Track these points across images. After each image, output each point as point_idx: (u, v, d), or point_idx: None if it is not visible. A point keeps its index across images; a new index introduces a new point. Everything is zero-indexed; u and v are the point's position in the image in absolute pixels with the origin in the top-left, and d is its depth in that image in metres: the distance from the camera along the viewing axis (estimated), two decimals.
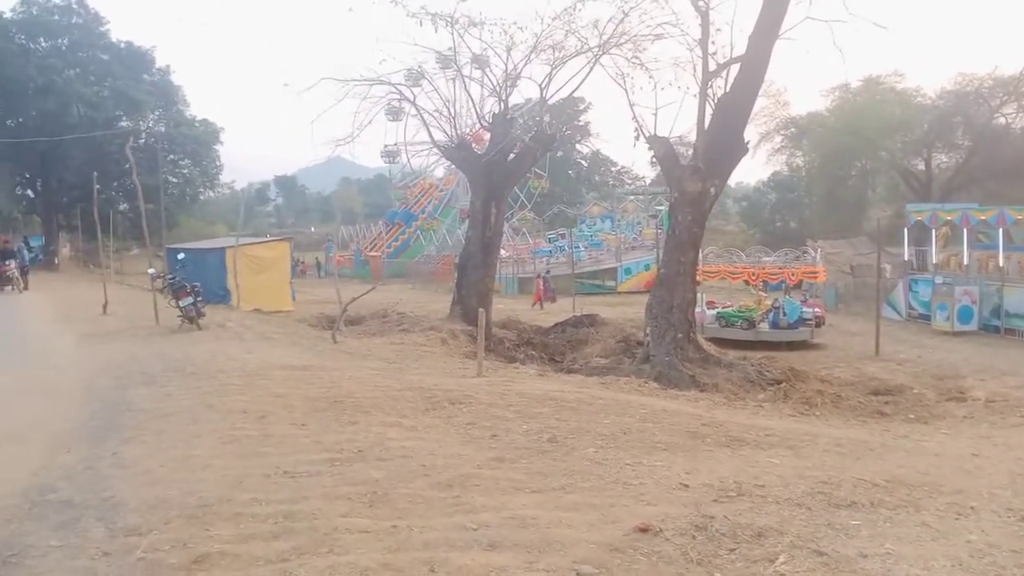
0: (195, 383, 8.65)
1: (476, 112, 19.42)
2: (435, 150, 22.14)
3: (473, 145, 20.90)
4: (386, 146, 51.11)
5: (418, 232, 52.01)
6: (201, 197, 48.71)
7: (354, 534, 4.26)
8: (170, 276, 14.50)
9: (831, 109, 45.95)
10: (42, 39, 38.14)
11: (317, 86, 17.94)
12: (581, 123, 69.82)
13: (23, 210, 50.75)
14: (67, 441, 6.45)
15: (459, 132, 19.92)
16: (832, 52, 14.31)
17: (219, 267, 22.06)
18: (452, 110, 19.69)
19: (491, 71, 19.44)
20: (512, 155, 19.15)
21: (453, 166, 53.20)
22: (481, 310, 11.63)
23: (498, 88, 19.06)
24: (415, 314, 20.13)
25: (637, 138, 15.11)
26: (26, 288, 25.10)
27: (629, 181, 77.16)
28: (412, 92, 19.68)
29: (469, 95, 19.50)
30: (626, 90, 15.26)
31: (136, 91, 38.01)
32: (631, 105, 14.88)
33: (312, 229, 73.69)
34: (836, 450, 7.07)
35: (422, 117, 19.49)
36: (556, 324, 20.49)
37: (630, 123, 14.64)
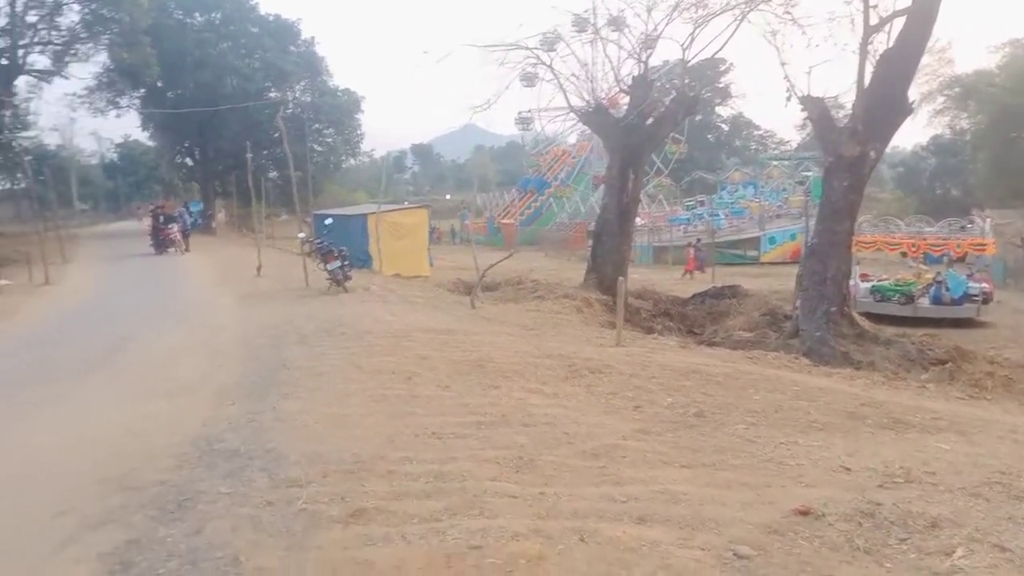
0: (344, 343, 8.98)
1: (614, 75, 19.00)
2: (571, 115, 21.84)
3: (610, 109, 20.48)
4: (520, 113, 51.39)
5: (551, 199, 51.93)
6: (344, 165, 50.62)
7: (503, 498, 4.27)
8: (318, 240, 15.15)
9: (1001, 67, 41.77)
10: (197, 14, 40.44)
11: (455, 53, 18.13)
12: (722, 85, 67.13)
13: (183, 177, 54.71)
14: (231, 395, 6.85)
15: (596, 96, 19.59)
16: (1005, 2, 12.87)
17: (361, 233, 22.89)
18: (589, 73, 19.38)
19: (629, 32, 18.96)
20: (651, 119, 18.65)
21: (587, 132, 52.87)
22: (621, 278, 11.40)
23: (637, 50, 18.56)
24: (549, 282, 20.12)
25: (788, 99, 14.28)
26: (187, 250, 27.02)
27: (773, 145, 73.87)
28: (548, 56, 19.51)
29: (607, 57, 19.08)
30: (776, 48, 14.43)
31: (284, 62, 39.75)
32: (782, 64, 14.05)
33: (448, 196, 75.26)
34: (1012, 437, 6.44)
35: (558, 81, 19.30)
36: (695, 295, 19.97)
37: (779, 84, 13.73)
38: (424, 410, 6.17)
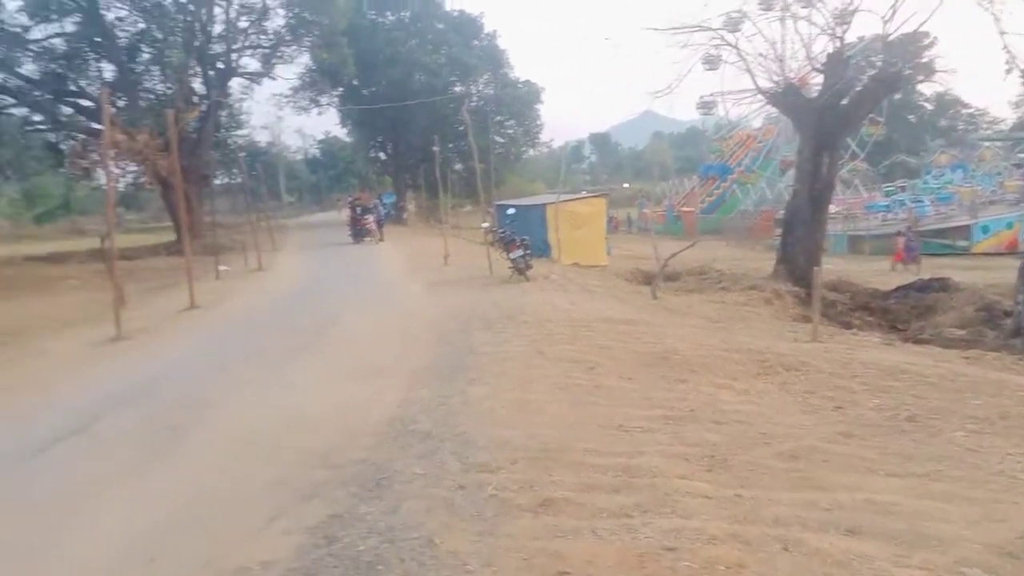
0: (527, 331, 9.08)
1: (806, 52, 17.82)
2: (758, 97, 20.80)
3: (801, 89, 19.26)
4: (702, 97, 49.60)
5: (734, 186, 49.86)
6: (524, 156, 51.42)
7: (696, 498, 4.10)
8: (501, 230, 15.47)
9: None
10: (388, 13, 42.52)
11: (636, 38, 17.77)
12: (925, 60, 61.13)
13: (377, 171, 57.99)
14: (422, 378, 7.11)
15: (786, 76, 18.49)
16: None
17: (541, 222, 23.10)
18: (778, 53, 18.31)
19: (823, 6, 17.69)
20: (846, 99, 17.33)
21: (773, 115, 50.20)
22: (816, 268, 10.68)
23: (832, 25, 17.29)
24: (733, 272, 19.33)
25: (1009, 71, 12.76)
26: (381, 240, 28.63)
27: (985, 125, 66.58)
28: (734, 37, 18.66)
29: (799, 34, 17.92)
30: (994, 16, 12.91)
31: (468, 57, 40.87)
32: (1001, 34, 12.55)
33: (626, 185, 74.49)
34: None
35: (745, 62, 18.39)
36: (898, 288, 18.37)
37: (994, 57, 12.35)
38: (608, 401, 6.08)
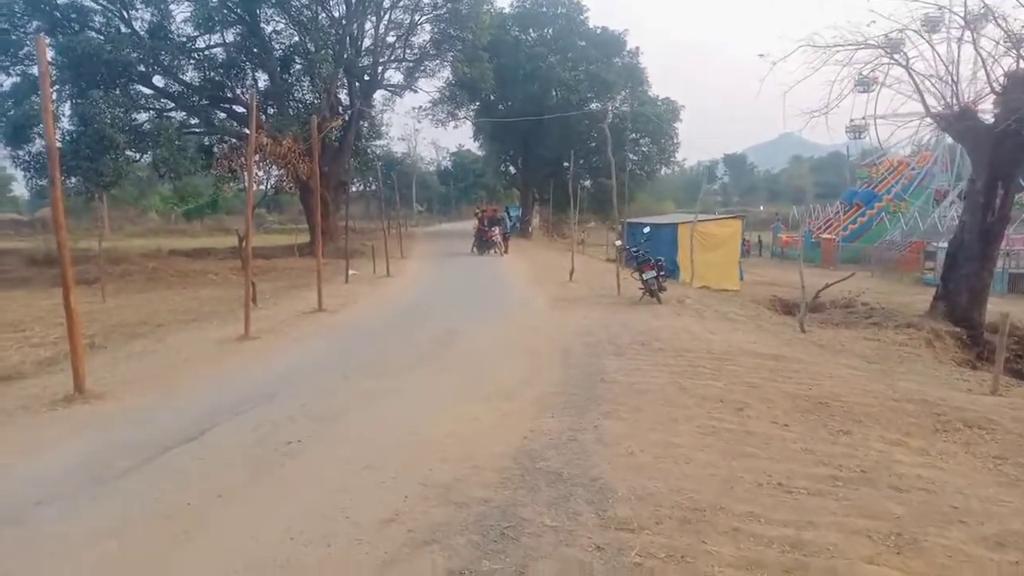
0: (663, 360, 8.37)
1: (986, 73, 16.08)
2: (926, 121, 19.05)
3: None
4: (852, 120, 46.94)
5: (882, 214, 46.74)
6: (658, 175, 50.32)
7: None
8: (634, 249, 14.74)
9: None
10: (531, 30, 42.79)
11: (793, 54, 16.60)
12: None
13: (505, 184, 58.46)
14: (550, 405, 6.54)
15: (960, 99, 16.79)
16: None
17: (671, 242, 22.24)
18: (951, 74, 16.66)
19: (1005, 24, 15.92)
20: None
21: (929, 141, 46.79)
22: (1005, 312, 9.36)
23: (1014, 44, 15.53)
24: (882, 307, 17.79)
25: None
26: (506, 252, 28.50)
27: None
28: (903, 56, 17.13)
29: (978, 53, 16.20)
30: None
31: (607, 73, 40.37)
32: None
33: (761, 207, 71.65)
34: None
35: (914, 83, 16.83)
36: None
37: None
38: (764, 452, 5.30)
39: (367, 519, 4.12)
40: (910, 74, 16.84)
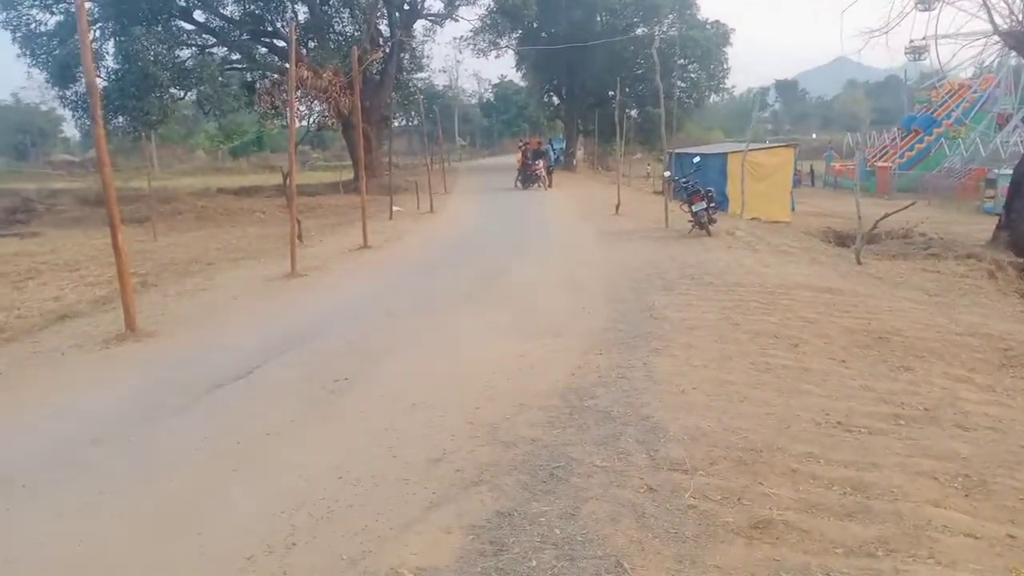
0: (714, 295, 8.14)
1: None
2: (992, 39, 17.93)
3: None
4: (912, 41, 44.60)
5: (941, 140, 44.77)
6: (707, 102, 48.77)
7: (956, 536, 3.17)
8: (683, 180, 14.30)
9: None
10: None
11: None
12: None
13: (549, 116, 57.37)
14: (597, 342, 6.41)
15: None
16: None
17: (720, 173, 21.63)
18: None
19: None
20: None
21: (987, 64, 44.35)
22: None
23: None
24: (940, 237, 17.14)
25: None
26: (550, 186, 28.11)
27: None
28: None
29: None
30: None
31: None
32: None
33: (814, 136, 69.30)
34: None
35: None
36: None
37: None
38: (821, 389, 5.12)
39: (414, 458, 4.08)
40: None
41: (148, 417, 5.01)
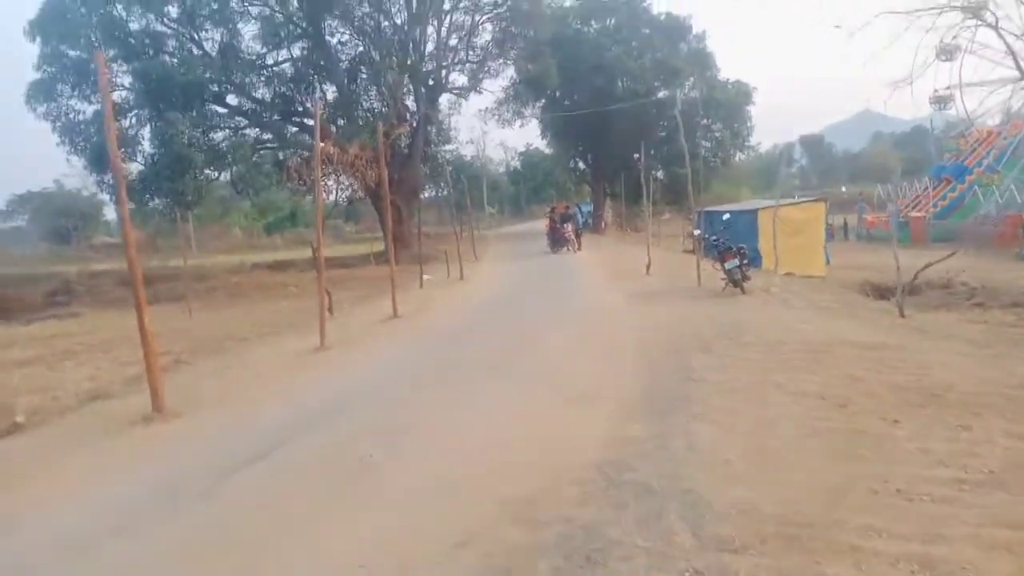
0: (754, 355, 7.84)
1: None
2: (1020, 85, 17.79)
3: None
4: (936, 91, 44.57)
5: (974, 188, 44.17)
6: (732, 160, 48.91)
7: None
8: (714, 238, 14.09)
9: None
10: (593, 21, 42.24)
11: (873, 23, 15.72)
12: None
13: (575, 181, 57.95)
14: (632, 408, 6.15)
15: None
16: None
17: (751, 229, 21.41)
18: None
19: None
20: None
21: (1015, 110, 43.92)
22: None
23: None
24: (983, 285, 16.66)
25: None
26: (579, 249, 28.11)
27: None
28: (992, 15, 15.99)
29: None
30: None
31: (674, 59, 39.52)
32: None
33: (843, 188, 68.85)
34: None
35: (1006, 43, 15.71)
36: None
37: None
38: (874, 454, 4.79)
39: (441, 542, 3.84)
40: (999, 34, 15.74)
41: (166, 505, 4.83)
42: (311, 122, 33.10)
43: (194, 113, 27.83)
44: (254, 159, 30.07)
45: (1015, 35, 15.53)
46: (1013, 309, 13.04)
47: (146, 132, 28.57)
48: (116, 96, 29.03)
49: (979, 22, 16.04)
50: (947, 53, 29.47)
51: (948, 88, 43.75)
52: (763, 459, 4.68)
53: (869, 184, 73.45)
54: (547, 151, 61.95)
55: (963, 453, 4.83)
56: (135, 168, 27.36)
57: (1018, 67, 15.65)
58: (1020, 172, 44.17)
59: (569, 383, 7.36)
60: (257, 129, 33.02)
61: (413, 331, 12.05)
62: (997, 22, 15.51)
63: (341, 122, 32.37)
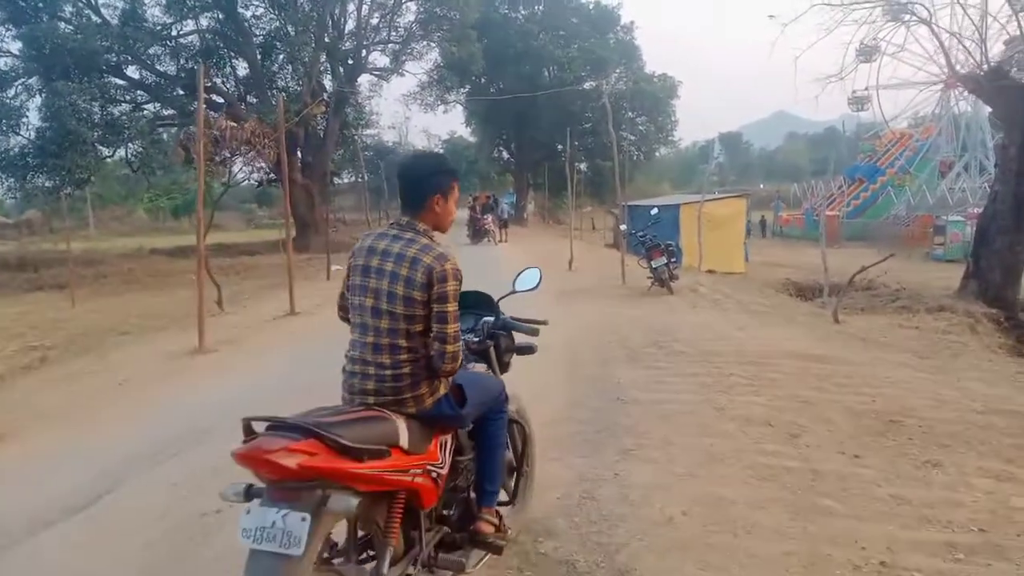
0: (688, 367, 7.00)
1: (1021, 29, 14.63)
2: (933, 89, 17.68)
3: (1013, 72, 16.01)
4: (854, 92, 45.39)
5: (887, 188, 45.34)
6: (657, 154, 48.80)
7: None
8: (640, 233, 13.29)
9: None
10: (521, 7, 41.23)
11: (805, 15, 15.21)
12: None
13: (499, 170, 56.96)
14: (554, 439, 5.08)
15: (987, 58, 15.40)
16: None
17: (672, 224, 20.95)
18: (981, 30, 15.27)
19: None
20: None
21: (923, 114, 45.35)
22: None
23: None
24: (901, 286, 16.55)
25: None
26: (504, 240, 27.20)
27: None
28: (927, 11, 15.69)
29: (1011, 5, 14.76)
30: None
31: (602, 50, 38.92)
32: None
33: (761, 186, 70.30)
34: None
35: (939, 40, 15.45)
36: None
37: None
38: (844, 507, 3.95)
39: None
40: (933, 32, 15.46)
41: None
42: (220, 99, 31.07)
43: (90, 84, 25.45)
44: (153, 136, 27.88)
45: (950, 32, 15.28)
46: (939, 313, 12.74)
47: (36, 103, 26.05)
48: (1, 63, 26.48)
49: (913, 18, 15.72)
50: (866, 54, 29.59)
51: (866, 89, 44.67)
52: (713, 515, 3.76)
53: (784, 182, 75.23)
54: (471, 139, 60.81)
55: (943, 503, 4.06)
56: (16, 143, 24.92)
57: (949, 64, 15.41)
58: (930, 174, 45.62)
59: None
60: (159, 104, 30.69)
61: (311, 331, 10.78)
62: (931, 18, 15.19)
63: (253, 100, 30.46)
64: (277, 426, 2.23)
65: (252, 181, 31.69)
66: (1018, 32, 14.93)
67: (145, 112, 29.79)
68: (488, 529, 2.96)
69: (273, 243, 31.21)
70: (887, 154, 48.38)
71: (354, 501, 2.17)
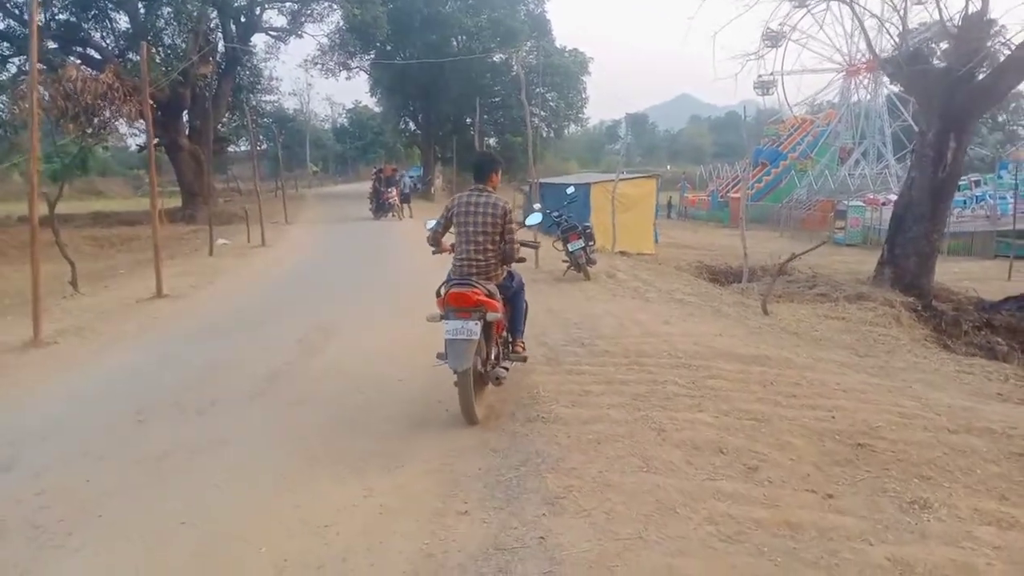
0: (616, 373, 5.98)
1: (940, 13, 14.34)
2: (838, 75, 17.40)
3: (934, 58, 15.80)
4: (760, 76, 45.90)
5: (791, 172, 46.23)
6: (566, 132, 47.96)
7: None
8: (556, 213, 12.20)
9: None
10: None
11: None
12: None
13: (405, 142, 55.04)
14: (458, 480, 4.00)
15: (908, 42, 15.12)
16: None
17: (583, 204, 20.17)
18: (902, 15, 14.95)
19: None
20: (983, 71, 14.03)
21: (825, 100, 46.40)
22: None
23: None
24: (820, 273, 16.34)
25: None
26: (410, 216, 25.77)
27: None
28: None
29: None
30: None
31: (512, 20, 37.55)
32: None
33: (668, 167, 71.00)
34: None
35: (860, 23, 15.03)
36: (1007, 299, 15.04)
37: None
38: (824, 565, 3.02)
39: None
40: (854, 12, 15.04)
41: None
42: (97, 55, 28.25)
43: None
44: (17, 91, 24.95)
45: (871, 13, 14.90)
46: (859, 302, 12.38)
47: None
48: None
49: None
50: (773, 39, 29.59)
51: (772, 74, 45.22)
52: None
53: (688, 164, 76.35)
54: (377, 109, 58.49)
55: (946, 564, 3.18)
56: None
57: (870, 47, 15.04)
58: (830, 159, 46.83)
59: (367, 423, 5.10)
60: (24, 57, 27.59)
61: (176, 318, 9.27)
62: (852, 1, 14.71)
63: (136, 58, 27.80)
64: (460, 283, 4.94)
65: (135, 146, 29.09)
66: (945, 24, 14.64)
67: (9, 67, 26.76)
68: (519, 348, 5.71)
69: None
70: (789, 138, 49.34)
71: (492, 317, 4.89)
